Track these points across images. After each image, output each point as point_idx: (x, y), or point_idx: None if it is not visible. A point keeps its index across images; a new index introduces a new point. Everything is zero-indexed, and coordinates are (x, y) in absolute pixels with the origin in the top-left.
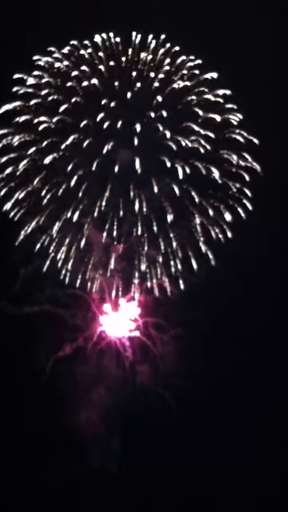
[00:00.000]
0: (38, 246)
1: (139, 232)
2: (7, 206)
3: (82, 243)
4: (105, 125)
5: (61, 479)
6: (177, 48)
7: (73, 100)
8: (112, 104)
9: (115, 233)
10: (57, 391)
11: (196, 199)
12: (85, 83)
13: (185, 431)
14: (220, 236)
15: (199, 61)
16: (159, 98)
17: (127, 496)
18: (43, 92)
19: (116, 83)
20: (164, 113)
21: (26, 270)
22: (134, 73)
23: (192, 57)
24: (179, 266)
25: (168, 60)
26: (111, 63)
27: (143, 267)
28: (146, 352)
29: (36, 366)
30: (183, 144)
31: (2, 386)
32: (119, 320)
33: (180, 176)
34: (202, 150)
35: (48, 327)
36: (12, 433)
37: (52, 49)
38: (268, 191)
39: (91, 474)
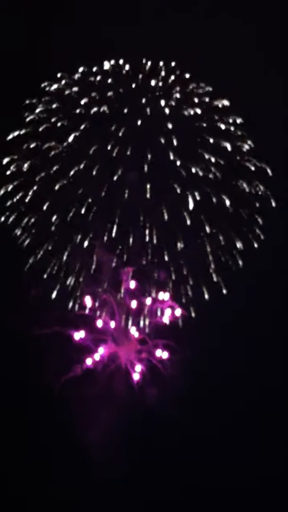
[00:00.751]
0: (48, 270)
1: (149, 258)
2: (18, 231)
3: (92, 267)
4: (115, 151)
5: (64, 494)
6: (187, 75)
7: (82, 126)
8: (122, 130)
9: (125, 257)
10: (64, 409)
11: (207, 227)
12: (94, 109)
13: (190, 442)
14: (231, 263)
15: (209, 88)
16: (169, 125)
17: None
18: (53, 119)
19: (126, 110)
20: (175, 140)
21: (35, 292)
22: (144, 100)
23: (202, 85)
24: (190, 292)
25: (178, 88)
26: (121, 89)
27: (153, 291)
28: (156, 374)
29: (44, 385)
30: (193, 171)
31: (8, 403)
32: (129, 343)
33: (191, 203)
34: (212, 177)
35: (57, 349)
36: (16, 451)
37: (62, 75)
38: (281, 218)
39: (95, 488)
